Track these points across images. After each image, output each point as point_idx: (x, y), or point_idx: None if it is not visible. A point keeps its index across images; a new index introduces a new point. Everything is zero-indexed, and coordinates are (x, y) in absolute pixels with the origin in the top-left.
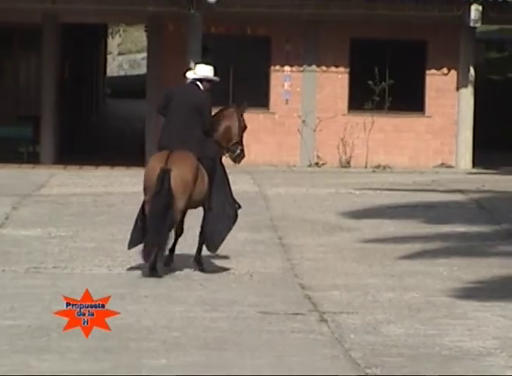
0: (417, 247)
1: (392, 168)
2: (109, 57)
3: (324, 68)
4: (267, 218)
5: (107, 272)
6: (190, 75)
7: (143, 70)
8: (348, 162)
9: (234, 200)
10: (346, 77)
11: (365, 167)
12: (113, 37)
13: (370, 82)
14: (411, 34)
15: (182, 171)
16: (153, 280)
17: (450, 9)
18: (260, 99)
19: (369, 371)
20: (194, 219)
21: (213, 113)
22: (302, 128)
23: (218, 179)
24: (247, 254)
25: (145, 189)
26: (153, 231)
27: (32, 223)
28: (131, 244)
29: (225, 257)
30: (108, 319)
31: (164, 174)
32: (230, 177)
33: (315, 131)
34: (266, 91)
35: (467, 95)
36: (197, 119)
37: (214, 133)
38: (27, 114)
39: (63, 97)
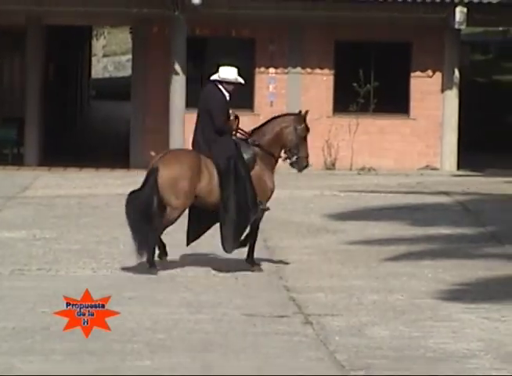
0: (402, 249)
1: (377, 170)
2: (94, 59)
3: (309, 70)
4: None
5: (92, 274)
6: (213, 77)
7: (128, 71)
8: (333, 164)
9: (256, 202)
10: (331, 79)
11: (350, 169)
12: (97, 39)
13: (355, 84)
14: (396, 36)
15: (169, 169)
16: (137, 281)
17: (435, 11)
18: (244, 100)
19: (353, 373)
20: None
21: (267, 120)
22: None
23: (239, 181)
24: (232, 257)
25: None
26: (133, 229)
27: (16, 225)
28: (187, 242)
29: (210, 259)
30: None
31: (150, 173)
32: None
33: None
34: (251, 93)
35: (452, 97)
36: (208, 120)
37: (261, 139)
38: (11, 116)
39: (48, 99)
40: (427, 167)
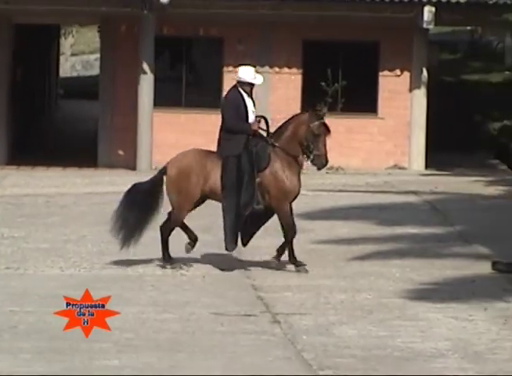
0: (370, 248)
1: (345, 170)
2: (62, 58)
3: (277, 69)
4: (220, 220)
5: (60, 273)
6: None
7: (96, 70)
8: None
9: (251, 201)
10: (299, 78)
11: None
12: (65, 38)
13: (323, 83)
14: (364, 35)
15: (169, 170)
16: (104, 280)
17: (403, 11)
18: (213, 100)
19: (321, 372)
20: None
21: (286, 119)
22: None
23: (240, 180)
24: (200, 256)
25: None
26: (124, 218)
27: None
28: (243, 242)
29: (178, 258)
30: (58, 321)
31: (159, 171)
32: None
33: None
34: (219, 92)
35: (420, 96)
36: (222, 120)
37: (279, 139)
38: None
39: (16, 98)
40: (395, 166)
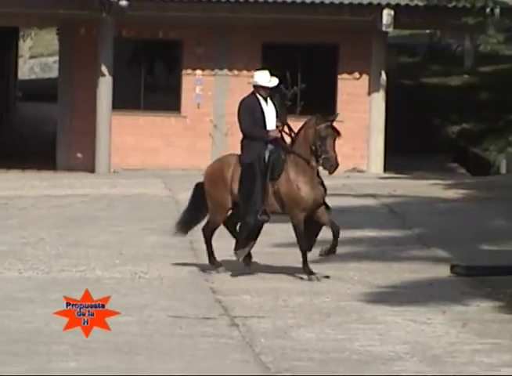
0: None
1: None
2: (20, 60)
3: (236, 72)
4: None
5: (17, 276)
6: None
7: (55, 73)
8: None
9: (257, 209)
10: None
11: None
12: (24, 40)
13: (282, 86)
14: (323, 38)
15: (205, 182)
16: (62, 283)
17: (362, 14)
18: (171, 102)
19: (279, 375)
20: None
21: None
22: (214, 132)
23: (250, 186)
24: (158, 259)
25: None
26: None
27: None
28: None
29: (136, 261)
30: (16, 324)
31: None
32: (140, 180)
33: (226, 135)
34: (178, 94)
35: (379, 99)
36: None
37: (294, 145)
38: None
39: None
40: (353, 169)
